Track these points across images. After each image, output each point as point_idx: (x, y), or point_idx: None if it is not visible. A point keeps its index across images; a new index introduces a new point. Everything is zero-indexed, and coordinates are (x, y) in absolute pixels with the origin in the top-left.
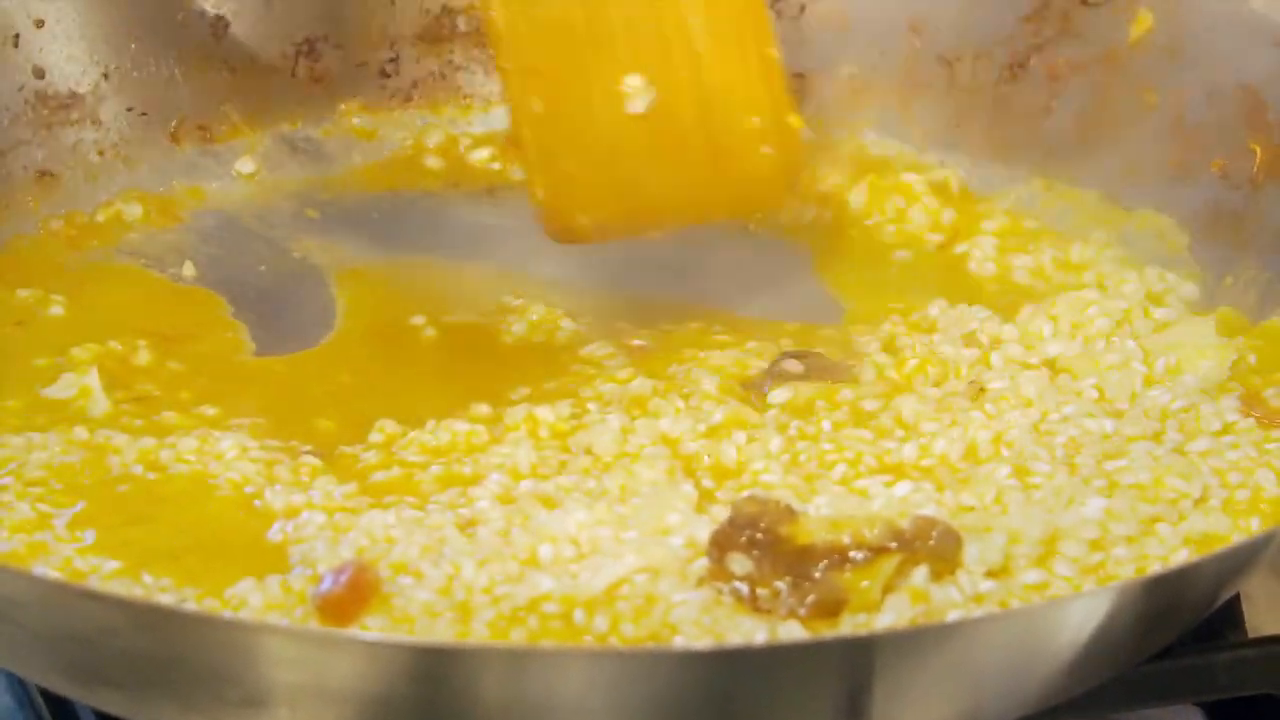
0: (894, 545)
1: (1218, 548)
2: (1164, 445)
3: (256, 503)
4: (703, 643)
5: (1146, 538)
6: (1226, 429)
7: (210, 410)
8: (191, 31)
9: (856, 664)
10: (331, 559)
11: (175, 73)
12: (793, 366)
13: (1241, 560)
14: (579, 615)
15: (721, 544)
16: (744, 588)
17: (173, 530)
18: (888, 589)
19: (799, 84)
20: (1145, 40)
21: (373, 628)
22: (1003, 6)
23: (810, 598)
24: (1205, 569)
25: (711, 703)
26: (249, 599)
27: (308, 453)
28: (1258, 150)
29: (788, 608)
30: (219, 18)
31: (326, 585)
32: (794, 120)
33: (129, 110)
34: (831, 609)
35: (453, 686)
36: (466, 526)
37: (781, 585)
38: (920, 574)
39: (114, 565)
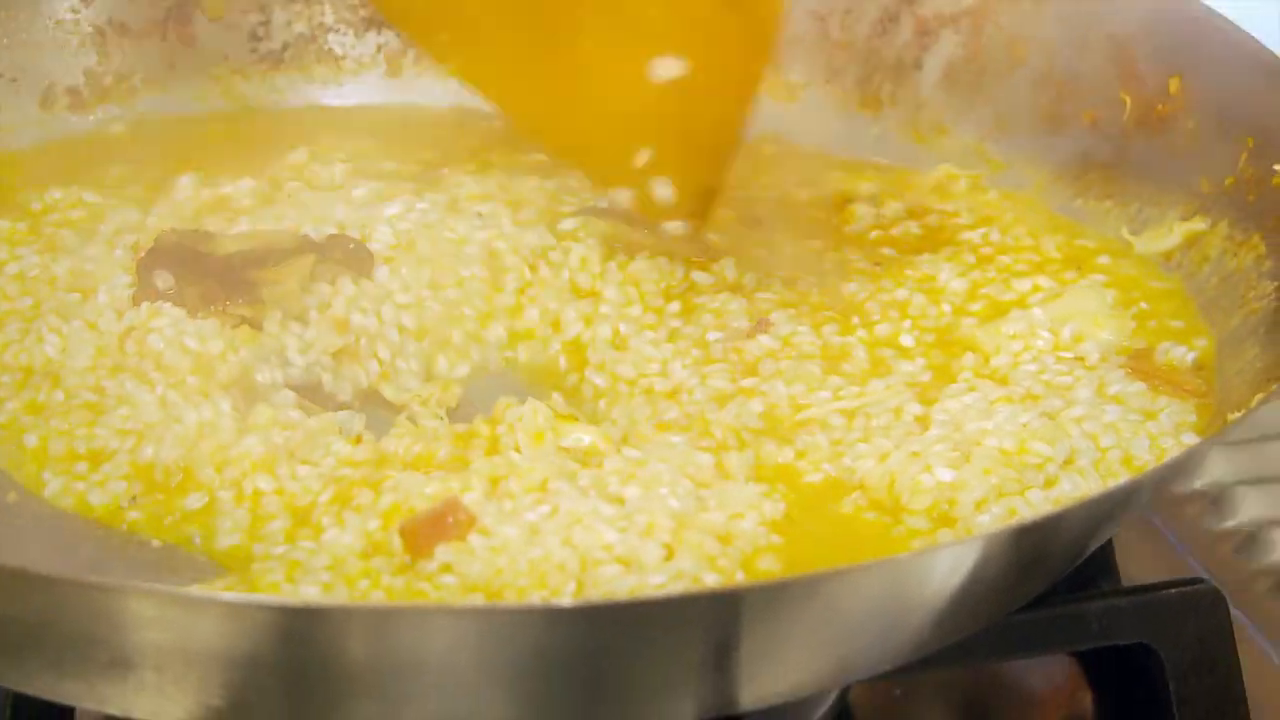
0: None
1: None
2: (1034, 410)
3: None
4: (567, 600)
5: (1011, 497)
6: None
7: None
8: None
9: (724, 616)
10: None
11: (44, 39)
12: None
13: (1108, 508)
14: None
15: (148, 265)
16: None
17: None
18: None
19: None
20: None
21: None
22: None
23: (234, 295)
24: (1072, 517)
25: (580, 657)
26: None
27: None
28: (1128, 100)
29: (216, 305)
30: None
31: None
32: None
33: None
34: (255, 305)
35: (317, 646)
36: None
37: (207, 287)
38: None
39: None
